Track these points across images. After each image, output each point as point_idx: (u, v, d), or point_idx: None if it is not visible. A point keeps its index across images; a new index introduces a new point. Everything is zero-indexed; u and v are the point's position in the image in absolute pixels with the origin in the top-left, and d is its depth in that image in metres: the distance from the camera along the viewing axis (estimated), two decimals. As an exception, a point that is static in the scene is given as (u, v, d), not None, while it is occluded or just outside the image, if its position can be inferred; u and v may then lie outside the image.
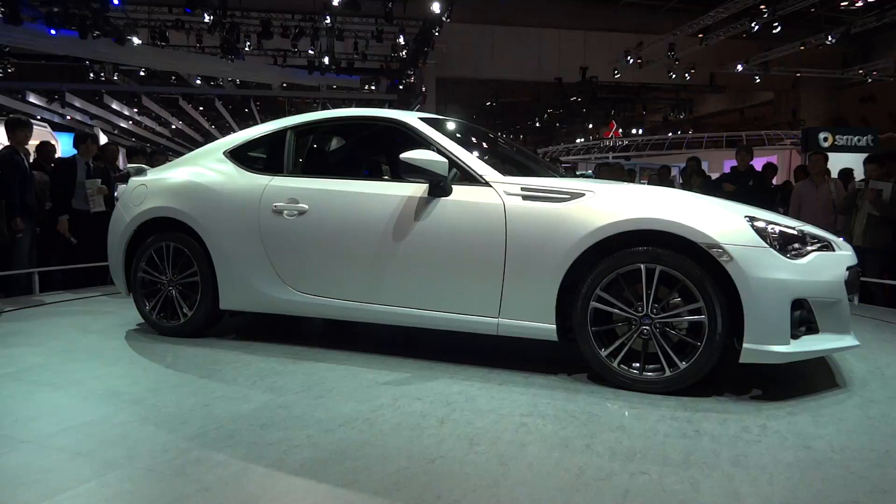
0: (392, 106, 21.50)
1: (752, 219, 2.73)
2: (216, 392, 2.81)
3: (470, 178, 3.15)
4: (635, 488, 1.91)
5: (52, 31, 14.02)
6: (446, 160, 3.09)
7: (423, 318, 3.21)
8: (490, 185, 3.07)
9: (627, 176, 9.09)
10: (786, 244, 2.71)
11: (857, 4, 18.85)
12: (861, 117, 23.74)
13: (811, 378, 3.08)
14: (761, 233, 2.68)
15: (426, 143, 3.29)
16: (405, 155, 3.04)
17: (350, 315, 3.42)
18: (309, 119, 3.84)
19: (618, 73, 20.40)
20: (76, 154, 6.10)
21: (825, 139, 15.81)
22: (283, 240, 3.49)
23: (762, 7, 16.20)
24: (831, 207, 6.56)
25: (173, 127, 32.14)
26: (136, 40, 15.47)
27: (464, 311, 3.10)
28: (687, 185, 8.32)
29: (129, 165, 4.38)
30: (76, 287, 5.88)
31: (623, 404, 2.66)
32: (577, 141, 32.83)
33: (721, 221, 2.70)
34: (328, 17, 16.67)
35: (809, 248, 2.76)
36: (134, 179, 4.10)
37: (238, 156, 3.87)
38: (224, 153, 3.89)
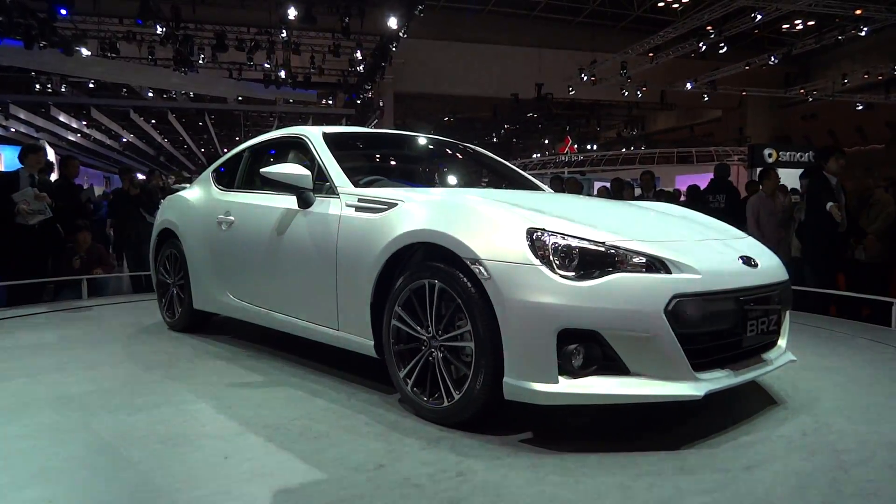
0: (349, 120, 21.46)
1: (534, 231, 2.25)
2: (87, 379, 3.12)
3: (330, 189, 3.09)
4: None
5: (-4, 41, 13.56)
6: (306, 173, 3.05)
7: (297, 328, 3.23)
8: (338, 196, 3.01)
9: (581, 190, 9.20)
10: (581, 263, 2.20)
11: (797, 27, 19.73)
12: (803, 134, 24.75)
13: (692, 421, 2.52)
14: (537, 248, 2.21)
15: (313, 155, 3.33)
16: (264, 169, 3.12)
17: (262, 321, 3.53)
18: (258, 140, 4.16)
19: (572, 90, 20.85)
20: (20, 168, 5.91)
21: (770, 155, 16.41)
22: (220, 248, 3.82)
23: (709, 28, 16.83)
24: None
25: (124, 140, 31.37)
26: (84, 51, 15.07)
27: (320, 322, 3.04)
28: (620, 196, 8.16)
29: (178, 185, 5.07)
30: (20, 303, 5.65)
31: (376, 429, 2.41)
32: (534, 156, 33.32)
33: (492, 233, 2.31)
34: (284, 31, 16.57)
35: (613, 269, 2.19)
36: (170, 196, 4.74)
37: (217, 174, 4.29)
38: (211, 172, 4.35)
